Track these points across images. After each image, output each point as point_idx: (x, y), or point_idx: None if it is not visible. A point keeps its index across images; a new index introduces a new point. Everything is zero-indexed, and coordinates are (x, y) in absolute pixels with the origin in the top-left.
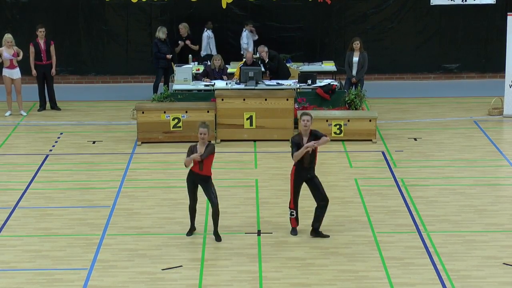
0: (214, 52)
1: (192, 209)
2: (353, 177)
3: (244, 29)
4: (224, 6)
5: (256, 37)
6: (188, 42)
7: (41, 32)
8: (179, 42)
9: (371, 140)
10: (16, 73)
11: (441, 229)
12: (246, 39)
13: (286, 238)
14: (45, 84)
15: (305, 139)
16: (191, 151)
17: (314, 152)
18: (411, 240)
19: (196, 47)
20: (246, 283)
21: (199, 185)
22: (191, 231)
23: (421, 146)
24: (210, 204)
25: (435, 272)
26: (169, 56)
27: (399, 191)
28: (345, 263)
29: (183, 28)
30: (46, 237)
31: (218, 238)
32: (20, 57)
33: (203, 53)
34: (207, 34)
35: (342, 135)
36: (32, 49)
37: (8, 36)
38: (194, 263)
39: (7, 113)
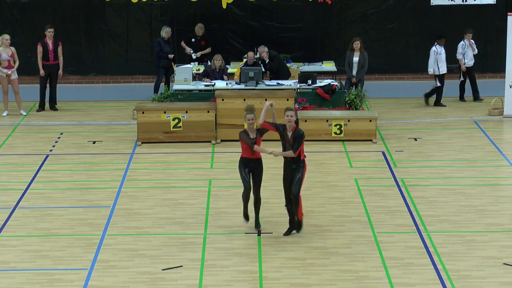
0: (443, 69)
1: (246, 197)
2: (353, 177)
3: (464, 39)
4: (224, 6)
5: (476, 51)
6: (203, 51)
7: (50, 32)
8: (189, 50)
9: (371, 140)
10: (13, 74)
11: (441, 229)
12: (462, 48)
13: (286, 238)
14: (48, 84)
15: (288, 134)
16: (246, 135)
17: (294, 145)
18: (411, 240)
19: (208, 50)
20: (246, 283)
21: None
22: (248, 216)
23: (421, 146)
24: (254, 192)
25: (435, 272)
26: (170, 56)
27: (399, 191)
28: (345, 263)
29: (199, 29)
30: (46, 237)
31: (258, 225)
32: (16, 65)
33: (429, 70)
34: (435, 49)
35: (342, 135)
36: (40, 48)
37: (7, 36)
38: (194, 263)
39: (4, 113)
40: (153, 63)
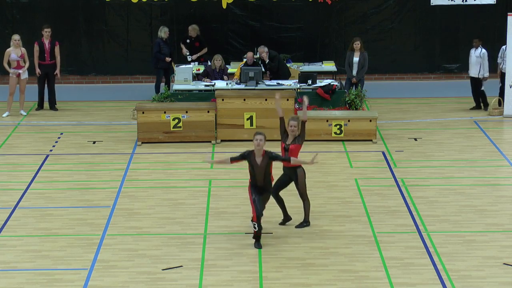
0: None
1: (281, 200)
2: (353, 177)
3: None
4: (224, 6)
5: None
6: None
7: (46, 32)
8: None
9: (371, 140)
10: (24, 73)
11: (441, 229)
12: (501, 53)
13: (286, 238)
14: (46, 84)
15: (258, 160)
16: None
17: (267, 171)
18: (411, 240)
19: (204, 51)
20: (246, 283)
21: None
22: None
23: (421, 146)
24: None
25: (435, 272)
26: (168, 59)
27: (399, 191)
28: (345, 263)
29: (192, 30)
30: (46, 237)
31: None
32: (26, 65)
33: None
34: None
35: (342, 135)
36: (36, 48)
37: (16, 36)
38: (194, 263)
39: (5, 114)
40: (152, 64)
